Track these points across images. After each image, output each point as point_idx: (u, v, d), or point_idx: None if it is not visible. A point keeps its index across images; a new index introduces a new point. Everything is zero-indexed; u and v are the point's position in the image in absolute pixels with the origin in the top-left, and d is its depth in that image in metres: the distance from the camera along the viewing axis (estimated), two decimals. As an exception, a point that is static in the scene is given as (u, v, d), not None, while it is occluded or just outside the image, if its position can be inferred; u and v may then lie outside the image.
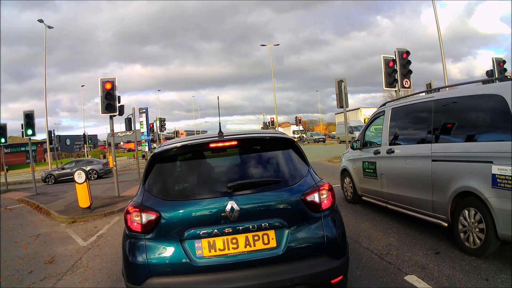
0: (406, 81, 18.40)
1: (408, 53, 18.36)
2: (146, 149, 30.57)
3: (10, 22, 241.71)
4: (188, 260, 4.02)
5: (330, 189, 4.44)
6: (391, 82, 18.59)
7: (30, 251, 9.30)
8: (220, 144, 4.47)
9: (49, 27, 47.33)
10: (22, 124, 22.49)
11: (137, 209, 4.24)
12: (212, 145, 4.49)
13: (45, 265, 8.06)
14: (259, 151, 4.79)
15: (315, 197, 4.29)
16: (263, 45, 69.40)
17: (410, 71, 18.47)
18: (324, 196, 4.34)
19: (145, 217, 4.18)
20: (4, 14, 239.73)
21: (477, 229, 6.02)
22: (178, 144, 4.66)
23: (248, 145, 4.78)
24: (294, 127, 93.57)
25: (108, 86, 16.03)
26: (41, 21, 46.09)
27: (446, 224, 6.81)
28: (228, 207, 4.05)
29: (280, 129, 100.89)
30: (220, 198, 4.15)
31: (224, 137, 4.52)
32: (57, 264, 8.02)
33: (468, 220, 6.19)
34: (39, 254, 8.93)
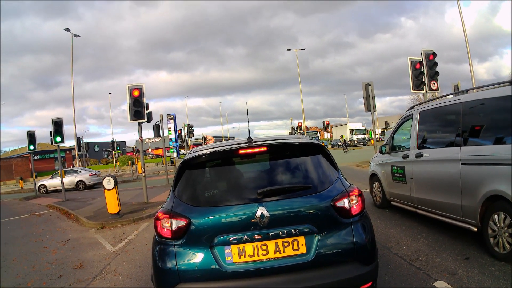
0: (433, 83, 18.15)
1: (434, 54, 18.11)
2: (175, 155, 30.71)
3: (34, 31, 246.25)
4: (217, 266, 4.03)
5: (360, 194, 4.45)
6: (418, 84, 18.37)
7: (59, 256, 9.46)
8: (250, 150, 4.51)
9: (76, 35, 48.32)
10: (50, 132, 22.97)
11: (167, 216, 4.29)
12: (241, 151, 4.53)
13: (74, 270, 8.19)
14: (288, 157, 4.79)
15: (345, 202, 4.29)
16: (289, 50, 70.25)
17: (437, 73, 18.19)
18: (354, 201, 4.35)
19: (175, 224, 4.22)
20: (27, 23, 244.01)
21: (507, 234, 5.92)
22: (208, 151, 4.70)
23: (277, 151, 4.78)
24: (351, 125, 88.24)
25: (136, 93, 16.26)
26: (67, 29, 47.03)
27: (476, 229, 6.72)
28: (258, 214, 4.07)
29: (335, 129, 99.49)
30: (250, 205, 4.17)
31: (253, 143, 4.57)
32: (86, 270, 8.14)
33: (498, 225, 6.09)
34: (68, 259, 9.07)
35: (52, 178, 35.24)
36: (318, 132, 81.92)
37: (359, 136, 79.20)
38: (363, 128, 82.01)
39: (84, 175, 34.48)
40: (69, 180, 33.40)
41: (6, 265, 9.17)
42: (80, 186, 33.79)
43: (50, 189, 34.29)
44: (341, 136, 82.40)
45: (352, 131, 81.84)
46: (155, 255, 4.38)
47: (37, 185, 34.19)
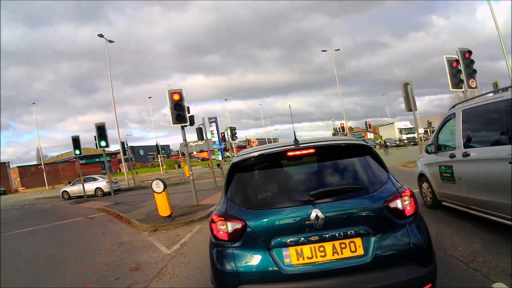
0: (472, 81, 17.80)
1: (470, 52, 17.74)
2: (220, 158, 30.82)
3: (68, 38, 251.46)
4: (276, 268, 4.06)
5: (412, 195, 4.42)
6: (457, 83, 18.07)
7: (115, 259, 9.59)
8: (298, 153, 4.54)
9: (110, 41, 49.34)
10: (95, 136, 23.48)
11: (222, 218, 4.37)
12: (289, 153, 4.57)
13: (130, 272, 8.28)
14: (336, 158, 4.79)
15: (398, 203, 4.27)
16: (324, 51, 69.87)
17: (474, 71, 17.84)
18: (407, 202, 4.32)
19: (231, 226, 4.29)
20: (60, 31, 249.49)
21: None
22: (256, 154, 4.77)
23: (325, 152, 4.77)
24: (400, 124, 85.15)
25: (176, 97, 16.39)
26: (101, 36, 48.09)
27: None
28: (313, 215, 4.09)
29: (381, 128, 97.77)
30: (303, 206, 4.19)
31: (301, 145, 4.60)
32: (143, 271, 8.21)
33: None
34: (124, 261, 9.19)
35: (73, 185, 37.53)
36: (362, 132, 79.63)
37: (409, 135, 76.48)
38: (412, 126, 75.42)
39: (102, 183, 35.86)
40: (88, 187, 35.01)
41: (63, 267, 9.35)
42: (99, 192, 35.34)
43: (72, 195, 36.62)
44: (381, 137, 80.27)
45: (400, 130, 78.99)
46: (213, 257, 4.44)
47: (61, 192, 37.72)
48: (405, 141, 75.25)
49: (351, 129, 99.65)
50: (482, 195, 7.80)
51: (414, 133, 70.32)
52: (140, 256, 9.60)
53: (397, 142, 76.13)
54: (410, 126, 79.58)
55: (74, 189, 36.60)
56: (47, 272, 9.11)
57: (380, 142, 72.84)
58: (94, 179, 37.01)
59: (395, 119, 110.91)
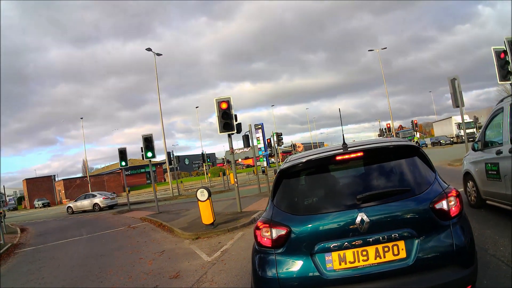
0: (520, 72, 17.31)
1: (518, 42, 17.24)
2: (265, 164, 30.76)
3: (115, 54, 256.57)
4: (318, 274, 4.05)
5: (458, 195, 4.34)
6: (504, 74, 17.47)
7: (155, 267, 9.58)
8: (346, 156, 4.49)
9: (158, 54, 49.95)
10: (141, 148, 23.85)
11: (267, 225, 4.36)
12: (338, 158, 4.52)
13: (170, 280, 8.26)
14: (383, 161, 4.69)
15: (443, 204, 4.20)
16: (371, 50, 69.59)
17: (523, 61, 17.33)
18: (452, 203, 4.24)
19: (275, 233, 4.28)
20: (108, 47, 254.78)
21: None
22: (304, 159, 4.76)
23: (373, 155, 4.71)
24: (457, 118, 71.64)
25: (224, 105, 16.45)
26: (149, 49, 48.80)
27: None
28: (358, 219, 4.05)
29: (436, 124, 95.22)
30: (349, 211, 4.15)
31: (349, 149, 4.56)
32: (182, 279, 8.16)
33: None
34: (164, 270, 9.16)
35: (76, 201, 42.06)
36: (415, 131, 76.87)
37: (468, 131, 64.59)
38: (471, 120, 70.09)
39: (99, 199, 39.17)
40: (88, 202, 39.61)
41: (103, 276, 9.40)
42: (96, 208, 38.57)
43: (75, 210, 40.41)
44: (414, 138, 72.40)
45: (459, 125, 71.18)
46: (255, 264, 4.47)
47: (66, 207, 42.52)
48: (463, 138, 69.00)
49: (400, 127, 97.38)
50: None
51: (473, 128, 66.25)
52: (181, 264, 9.57)
53: (452, 139, 72.03)
54: (468, 120, 70.52)
55: (77, 204, 40.77)
56: (86, 283, 9.15)
57: (417, 142, 70.58)
58: (93, 196, 40.65)
59: (441, 116, 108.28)
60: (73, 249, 14.69)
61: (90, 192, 45.47)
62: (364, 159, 4.62)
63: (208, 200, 13.60)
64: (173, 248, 11.90)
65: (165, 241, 13.56)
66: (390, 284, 3.96)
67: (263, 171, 29.62)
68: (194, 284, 7.64)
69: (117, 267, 10.21)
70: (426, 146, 78.94)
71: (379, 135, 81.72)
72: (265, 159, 31.70)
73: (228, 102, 16.48)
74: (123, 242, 14.39)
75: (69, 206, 41.28)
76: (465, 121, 68.27)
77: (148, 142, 23.34)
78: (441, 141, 73.89)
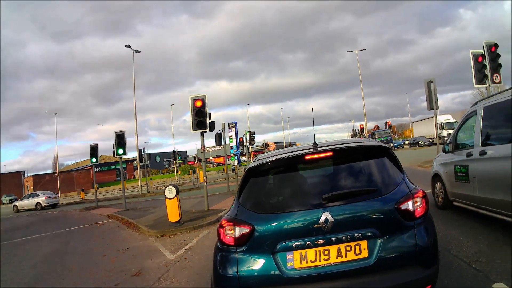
0: (496, 76, 17.59)
1: (496, 46, 17.56)
2: (236, 162, 30.79)
3: (94, 50, 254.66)
4: (278, 272, 4.06)
5: (424, 196, 4.39)
6: (481, 78, 17.85)
7: (118, 264, 9.57)
8: (315, 156, 4.50)
9: (137, 51, 49.78)
10: (113, 144, 23.70)
11: (231, 223, 4.35)
12: (307, 157, 4.53)
13: (132, 277, 8.24)
14: (352, 161, 4.71)
15: (409, 205, 4.24)
16: (350, 51, 69.88)
17: (500, 65, 17.63)
18: (418, 203, 4.29)
19: (239, 231, 4.28)
20: (87, 43, 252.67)
21: None
22: (273, 158, 4.74)
23: (343, 155, 4.71)
24: (440, 118, 64.80)
25: (199, 103, 16.51)
26: (128, 46, 48.62)
27: None
28: (322, 219, 4.06)
29: (416, 124, 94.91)
30: (314, 210, 4.16)
31: (319, 149, 4.57)
32: (144, 277, 8.16)
33: None
34: (127, 267, 9.15)
35: (21, 200, 44.35)
36: (390, 131, 76.28)
37: (450, 131, 61.35)
38: (454, 121, 66.65)
39: (41, 198, 41.29)
40: (30, 202, 41.87)
41: (65, 274, 9.32)
42: (38, 207, 40.60)
43: (20, 208, 42.53)
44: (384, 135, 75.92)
45: (441, 125, 66.56)
46: (216, 262, 4.45)
47: (12, 206, 44.61)
48: (446, 138, 58.30)
49: (377, 127, 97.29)
50: (497, 195, 7.66)
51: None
52: (144, 261, 9.56)
53: (431, 140, 70.26)
54: (452, 120, 68.79)
55: (22, 203, 43.03)
56: (48, 279, 9.08)
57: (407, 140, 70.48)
58: (37, 195, 42.75)
59: (415, 118, 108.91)
60: (38, 246, 14.48)
61: (34, 192, 47.68)
62: (333, 159, 4.64)
63: (175, 198, 13.62)
64: (137, 245, 11.89)
65: (130, 238, 13.53)
66: (350, 283, 3.98)
67: (233, 170, 29.68)
68: (155, 282, 7.64)
69: (80, 264, 10.14)
70: (403, 147, 79.54)
71: (352, 136, 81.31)
72: (236, 158, 31.77)
73: (203, 100, 16.56)
74: (88, 239, 14.29)
75: (15, 205, 43.89)
76: (449, 121, 67.05)
77: (120, 139, 23.22)
78: (419, 142, 73.65)
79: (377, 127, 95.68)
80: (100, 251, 11.65)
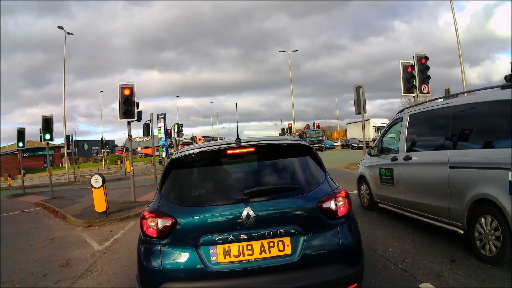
0: (424, 86, 18.25)
1: (426, 58, 18.30)
2: (164, 154, 30.69)
3: (26, 29, 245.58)
4: (202, 266, 4.05)
5: (347, 196, 4.46)
6: (409, 88, 18.49)
7: (45, 254, 9.42)
8: (238, 151, 4.51)
9: (69, 33, 48.02)
10: (40, 129, 22.94)
11: (153, 215, 4.29)
12: (229, 151, 4.54)
13: (59, 268, 8.16)
14: (276, 158, 4.79)
15: (331, 204, 4.30)
16: (282, 51, 69.76)
17: (428, 77, 18.36)
18: (341, 203, 4.36)
19: (161, 223, 4.22)
20: (20, 21, 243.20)
21: (493, 237, 5.99)
22: (196, 150, 4.72)
23: (266, 151, 4.78)
24: (377, 121, 72.35)
25: (127, 92, 16.26)
26: (61, 27, 46.75)
27: (463, 232, 6.77)
28: (244, 214, 4.08)
29: (350, 126, 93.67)
30: (236, 205, 4.18)
31: (242, 144, 4.57)
32: (72, 268, 8.11)
33: (485, 228, 6.16)
34: (54, 258, 9.03)
35: None
36: (321, 131, 75.66)
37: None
38: None
39: None
40: None
41: (-10, 263, 9.05)
42: None
43: None
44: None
45: (377, 128, 68.44)
46: (140, 254, 4.40)
47: None
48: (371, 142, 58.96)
49: (308, 127, 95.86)
50: (420, 198, 8.06)
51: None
52: (71, 252, 9.47)
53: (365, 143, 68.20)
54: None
55: None
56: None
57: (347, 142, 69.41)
58: None
59: (343, 121, 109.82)
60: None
61: None
62: (257, 155, 4.68)
63: (102, 188, 13.43)
64: (64, 235, 11.70)
65: (57, 227, 13.26)
66: (274, 279, 4.02)
67: (160, 161, 29.54)
68: (83, 274, 7.61)
69: (6, 253, 9.87)
70: (334, 148, 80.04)
71: (280, 134, 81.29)
72: (164, 149, 31.64)
73: (131, 88, 16.33)
74: (15, 228, 13.87)
75: None
76: (384, 124, 67.02)
77: (47, 124, 22.37)
78: (352, 144, 72.19)
79: (308, 126, 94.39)
80: (27, 240, 11.40)
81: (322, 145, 75.64)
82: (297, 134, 77.94)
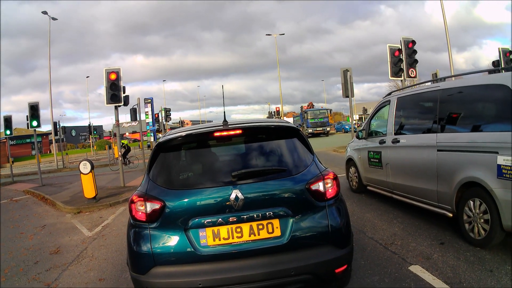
0: (411, 70, 18.30)
1: (414, 42, 18.28)
2: (152, 139, 30.56)
3: (10, 14, 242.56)
4: (192, 249, 4.04)
5: (335, 178, 4.44)
6: (396, 71, 18.47)
7: (36, 242, 9.36)
8: (225, 133, 4.45)
9: (53, 18, 47.00)
10: (27, 116, 22.59)
11: (142, 199, 4.25)
12: (216, 134, 4.47)
13: (50, 255, 8.12)
14: (263, 140, 4.78)
15: (320, 186, 4.28)
16: (268, 35, 69.37)
17: (416, 61, 18.37)
18: (329, 185, 4.33)
19: (150, 206, 4.18)
20: (2, 7, 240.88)
21: (482, 220, 6.02)
22: (183, 133, 4.67)
23: (253, 134, 4.74)
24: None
25: (113, 76, 16.12)
26: (45, 12, 45.79)
27: (451, 215, 6.81)
28: (233, 196, 4.06)
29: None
30: (224, 187, 4.16)
31: (229, 126, 4.51)
32: (63, 255, 8.08)
33: (473, 211, 6.19)
34: (45, 245, 8.99)
35: None
36: (327, 112, 62.65)
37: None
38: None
39: None
40: None
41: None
42: None
43: None
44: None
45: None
46: (130, 239, 4.38)
47: None
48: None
49: (311, 105, 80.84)
50: (409, 181, 8.07)
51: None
52: (62, 239, 9.42)
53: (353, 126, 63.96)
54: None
55: None
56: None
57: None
58: None
59: (331, 105, 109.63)
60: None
61: None
62: (244, 137, 4.66)
63: (90, 173, 13.34)
64: (54, 222, 11.63)
65: (47, 215, 13.19)
66: (264, 261, 4.02)
67: (148, 146, 29.40)
68: (74, 260, 7.58)
69: None
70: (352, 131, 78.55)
71: (268, 117, 75.99)
72: (152, 134, 31.49)
73: (117, 73, 16.19)
74: (5, 216, 13.74)
75: None
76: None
77: (34, 111, 22.13)
78: (345, 127, 69.14)
79: (311, 105, 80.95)
80: (17, 228, 11.33)
81: (328, 128, 62.36)
82: (296, 115, 73.83)
